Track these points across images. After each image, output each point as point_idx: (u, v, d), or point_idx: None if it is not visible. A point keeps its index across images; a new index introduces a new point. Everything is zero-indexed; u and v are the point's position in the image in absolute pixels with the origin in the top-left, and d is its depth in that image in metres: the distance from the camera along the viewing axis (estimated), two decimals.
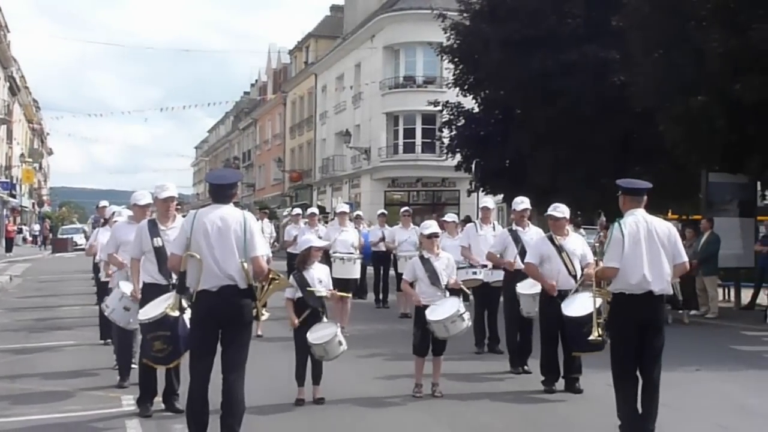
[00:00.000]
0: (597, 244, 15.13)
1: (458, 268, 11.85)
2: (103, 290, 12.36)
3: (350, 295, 14.43)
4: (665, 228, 8.31)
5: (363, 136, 52.60)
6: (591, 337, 8.83)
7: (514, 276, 11.74)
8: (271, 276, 7.71)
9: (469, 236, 13.83)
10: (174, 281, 9.03)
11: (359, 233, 17.61)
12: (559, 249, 10.64)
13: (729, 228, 19.68)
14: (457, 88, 30.99)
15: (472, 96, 31.01)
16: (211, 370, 7.64)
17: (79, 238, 50.80)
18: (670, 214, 26.35)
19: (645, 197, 8.48)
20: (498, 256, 12.24)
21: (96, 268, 13.81)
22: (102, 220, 14.86)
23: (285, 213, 26.41)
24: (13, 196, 70.13)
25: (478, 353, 13.20)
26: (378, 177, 50.62)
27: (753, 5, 17.30)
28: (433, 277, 10.23)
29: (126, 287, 9.89)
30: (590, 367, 10.48)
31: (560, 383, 10.60)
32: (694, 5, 18.26)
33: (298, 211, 21.03)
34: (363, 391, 10.48)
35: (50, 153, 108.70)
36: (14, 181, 71.04)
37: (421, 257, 10.47)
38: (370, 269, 20.98)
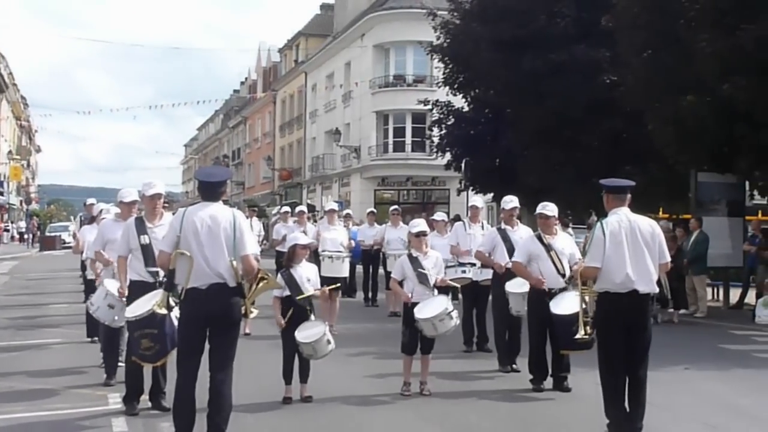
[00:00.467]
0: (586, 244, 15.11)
1: (447, 267, 11.85)
2: (90, 288, 12.32)
3: (338, 287, 14.39)
4: (649, 226, 8.32)
5: (353, 135, 52.60)
6: (578, 336, 8.83)
7: (503, 275, 11.72)
8: (260, 275, 7.69)
9: (458, 235, 13.82)
10: (161, 279, 9.03)
11: (348, 232, 17.59)
12: (548, 248, 10.63)
13: (718, 227, 19.73)
14: (447, 88, 31.03)
15: (462, 95, 31.06)
16: (198, 368, 7.62)
17: (67, 236, 50.61)
18: (660, 213, 26.40)
19: (628, 196, 8.50)
20: (487, 255, 12.22)
21: (83, 266, 13.76)
22: (89, 218, 14.80)
23: (274, 211, 26.34)
24: (1, 194, 69.91)
25: (466, 352, 13.20)
26: (368, 176, 50.62)
27: (741, 6, 17.32)
28: (422, 275, 10.19)
29: (111, 285, 9.86)
30: (579, 366, 10.47)
31: (549, 382, 10.58)
32: (683, 6, 18.27)
33: (287, 209, 20.95)
34: (351, 389, 10.44)
35: (38, 150, 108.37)
36: (2, 179, 70.81)
37: (410, 256, 10.43)
38: (359, 268, 20.97)
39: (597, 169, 23.51)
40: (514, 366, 11.63)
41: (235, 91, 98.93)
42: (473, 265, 13.05)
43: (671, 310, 17.74)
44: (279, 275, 10.10)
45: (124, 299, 9.31)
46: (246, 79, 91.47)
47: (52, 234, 58.47)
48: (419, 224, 10.58)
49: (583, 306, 8.75)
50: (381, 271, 20.12)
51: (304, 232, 15.14)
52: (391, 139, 49.60)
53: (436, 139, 32.90)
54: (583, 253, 10.73)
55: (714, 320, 18.12)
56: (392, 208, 21.09)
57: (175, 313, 7.96)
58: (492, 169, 29.75)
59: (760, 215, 25.06)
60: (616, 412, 8.17)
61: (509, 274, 11.44)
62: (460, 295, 13.46)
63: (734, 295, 20.71)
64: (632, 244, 8.14)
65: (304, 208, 20.08)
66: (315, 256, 15.00)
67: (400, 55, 49.75)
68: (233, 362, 7.69)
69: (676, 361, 12.17)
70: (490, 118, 29.98)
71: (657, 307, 16.51)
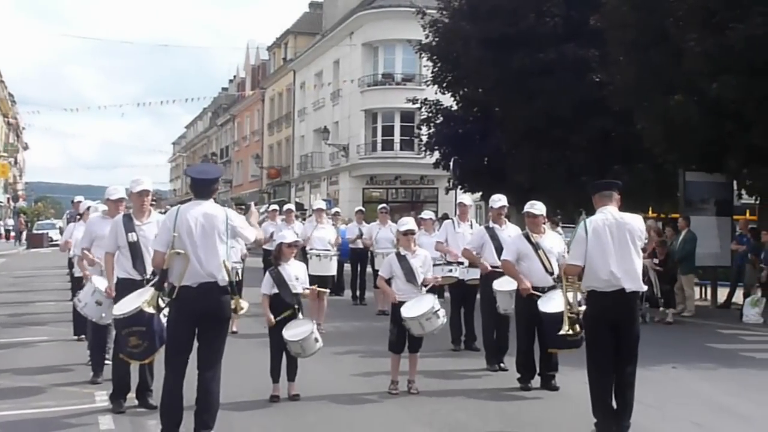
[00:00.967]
0: None
1: (434, 265, 11.83)
2: (77, 285, 12.24)
3: (328, 290, 14.40)
4: (635, 225, 8.32)
5: (342, 133, 52.58)
6: (561, 332, 8.83)
7: (491, 274, 11.71)
8: None
9: (447, 233, 13.81)
10: (149, 276, 9.01)
11: (336, 230, 17.58)
12: (536, 247, 10.61)
13: (706, 227, 19.78)
14: (436, 86, 31.05)
15: (450, 94, 31.07)
16: (186, 365, 7.62)
17: (55, 234, 50.43)
18: (650, 212, 26.46)
19: (615, 194, 8.52)
20: (474, 253, 12.21)
21: (71, 264, 13.70)
22: (76, 215, 14.75)
23: (262, 210, 26.27)
24: None
25: (454, 350, 13.20)
26: (356, 174, 50.59)
27: (729, 5, 17.37)
28: (410, 274, 10.19)
29: (99, 282, 9.83)
30: (567, 365, 10.48)
31: (536, 381, 10.58)
32: (672, 5, 18.32)
33: (275, 207, 20.95)
34: (339, 388, 10.43)
35: (26, 148, 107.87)
36: None
37: (398, 254, 10.43)
38: (347, 266, 20.94)
39: (586, 169, 23.65)
40: (501, 365, 11.63)
41: (223, 88, 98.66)
42: (460, 263, 13.04)
43: (661, 309, 17.75)
44: (267, 273, 10.10)
45: (112, 297, 9.27)
46: (235, 76, 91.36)
47: (40, 232, 58.20)
48: (408, 223, 10.58)
49: (569, 302, 8.76)
50: (369, 269, 20.11)
51: (295, 231, 15.11)
52: (379, 138, 49.58)
53: (424, 138, 32.92)
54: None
55: (702, 319, 18.16)
56: (380, 206, 21.10)
57: (164, 311, 7.92)
58: (480, 168, 29.79)
59: (748, 215, 25.11)
60: (603, 411, 8.18)
61: (497, 272, 11.44)
62: (446, 294, 13.47)
63: (722, 294, 20.77)
64: (618, 242, 8.15)
65: (292, 206, 20.10)
66: (303, 255, 14.98)
67: (389, 53, 49.73)
68: (221, 360, 7.68)
69: (663, 359, 12.19)
70: (479, 117, 30.02)
71: (646, 306, 16.58)
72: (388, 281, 10.41)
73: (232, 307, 7.75)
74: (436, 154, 32.18)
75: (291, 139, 63.65)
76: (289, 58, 65.04)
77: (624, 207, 8.59)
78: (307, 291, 10.17)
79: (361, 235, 20.06)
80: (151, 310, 7.99)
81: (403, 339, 10.15)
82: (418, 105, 32.54)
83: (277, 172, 65.44)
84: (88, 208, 12.76)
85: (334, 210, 22.68)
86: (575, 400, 9.50)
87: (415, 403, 9.75)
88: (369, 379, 10.96)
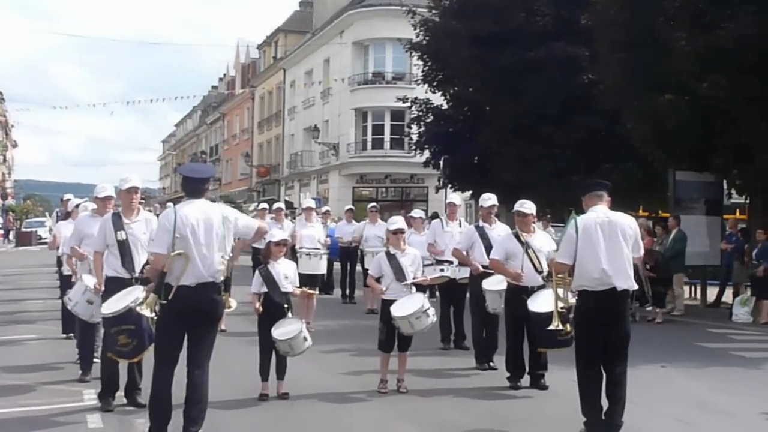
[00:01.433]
0: None
1: (425, 265, 11.82)
2: (66, 284, 12.21)
3: (316, 291, 14.36)
4: (626, 224, 8.32)
5: (332, 132, 52.53)
6: (551, 327, 8.82)
7: (481, 273, 11.71)
8: None
9: (435, 232, 13.82)
10: (137, 275, 8.99)
11: (326, 229, 17.56)
12: (525, 246, 10.59)
13: (696, 226, 19.81)
14: (426, 85, 31.04)
15: (440, 93, 31.06)
16: (176, 363, 7.61)
17: (44, 232, 50.31)
18: (639, 211, 26.51)
19: (605, 193, 8.53)
20: (464, 252, 12.20)
21: (59, 262, 13.66)
22: (65, 213, 14.71)
23: (251, 208, 26.29)
24: None
25: (444, 349, 13.21)
26: (346, 173, 50.55)
27: (719, 5, 17.40)
28: (399, 273, 10.18)
29: (89, 280, 9.80)
30: (556, 364, 10.49)
31: (526, 379, 10.59)
32: (662, 4, 18.34)
33: (264, 205, 20.94)
34: (328, 386, 10.42)
35: (15, 145, 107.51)
36: None
37: (387, 253, 10.43)
38: (337, 265, 20.92)
39: (575, 167, 23.66)
40: (491, 364, 11.63)
41: (213, 87, 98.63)
42: (451, 263, 13.03)
43: (650, 308, 17.79)
44: (257, 272, 10.09)
45: (101, 295, 9.24)
46: (224, 75, 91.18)
47: (28, 230, 58.06)
48: (397, 222, 10.59)
49: (558, 297, 8.76)
50: (359, 268, 20.10)
51: (282, 228, 15.08)
52: (369, 137, 49.52)
53: (414, 137, 32.92)
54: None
55: (691, 318, 18.21)
56: (370, 205, 21.11)
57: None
58: (470, 167, 29.78)
59: (737, 214, 25.18)
60: (592, 410, 8.18)
61: (487, 273, 11.43)
62: (437, 293, 13.45)
63: (711, 293, 20.82)
64: (609, 241, 8.14)
65: (281, 204, 20.05)
66: (292, 253, 14.95)
67: (379, 52, 49.68)
68: (210, 358, 7.67)
69: (653, 358, 12.22)
70: (469, 115, 30.04)
71: (635, 305, 16.59)
72: (378, 280, 10.39)
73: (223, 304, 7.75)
74: (426, 153, 32.18)
75: (281, 137, 63.55)
76: (279, 57, 64.95)
77: (613, 206, 8.59)
78: (297, 291, 10.15)
79: (360, 238, 20.01)
80: (148, 313, 7.91)
81: (392, 338, 10.14)
82: (408, 104, 32.54)
83: (266, 171, 65.34)
84: (77, 206, 12.73)
85: (324, 209, 22.66)
86: (564, 399, 9.48)
87: (403, 402, 9.74)
88: (358, 377, 10.96)
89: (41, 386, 10.22)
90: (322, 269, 16.38)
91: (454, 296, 13.33)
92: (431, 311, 10.02)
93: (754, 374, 12.15)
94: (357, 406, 9.65)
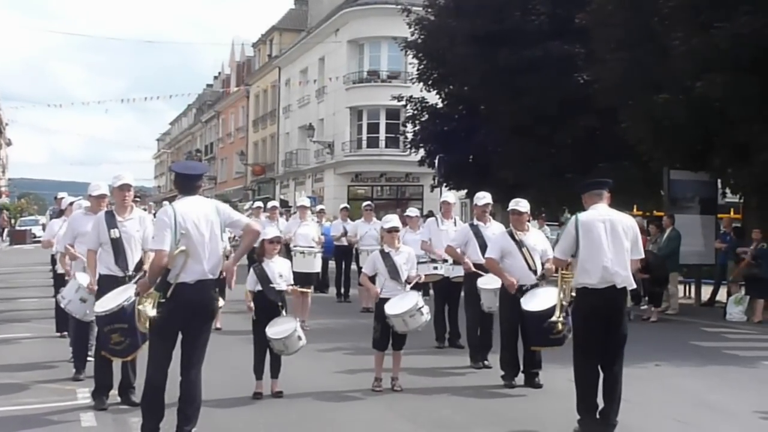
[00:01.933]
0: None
1: (419, 263, 11.82)
2: (59, 282, 12.15)
3: (310, 289, 14.37)
4: (627, 223, 8.32)
5: (327, 131, 52.49)
6: (553, 319, 8.81)
7: (473, 271, 11.70)
8: None
9: (430, 231, 13.81)
10: (131, 273, 8.96)
11: (320, 227, 17.54)
12: (520, 244, 10.61)
13: (690, 225, 19.81)
14: (422, 84, 30.98)
15: (436, 91, 31.01)
16: (170, 361, 7.59)
17: (38, 230, 50.19)
18: (634, 210, 26.51)
19: (606, 192, 8.53)
20: (458, 250, 12.19)
21: (53, 260, 13.62)
22: (58, 211, 14.67)
23: (246, 207, 26.33)
24: None
25: (438, 348, 13.21)
26: (341, 171, 50.50)
27: (715, 4, 17.39)
28: (393, 271, 10.18)
29: (82, 278, 9.76)
30: (550, 362, 10.50)
31: (520, 378, 10.59)
32: (658, 4, 18.33)
33: (259, 204, 20.94)
34: (322, 385, 10.42)
35: (9, 144, 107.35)
36: None
37: (382, 251, 10.43)
38: (332, 263, 20.91)
39: (571, 166, 23.65)
40: (485, 362, 11.63)
41: (208, 85, 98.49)
42: (445, 261, 13.03)
43: (645, 307, 17.80)
44: (251, 270, 10.08)
45: (94, 292, 9.22)
46: (219, 73, 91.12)
47: (23, 228, 57.92)
48: (392, 220, 10.57)
49: (561, 293, 8.76)
50: (354, 266, 20.09)
51: (279, 229, 15.07)
52: (365, 135, 49.46)
53: (410, 135, 32.85)
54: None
55: (686, 317, 18.22)
56: (365, 203, 21.08)
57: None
58: (466, 165, 29.75)
59: (732, 213, 25.18)
60: (588, 408, 8.20)
61: (481, 270, 11.43)
62: (431, 291, 13.45)
63: (706, 292, 20.82)
64: (611, 239, 8.16)
65: (276, 203, 20.04)
66: (287, 252, 14.94)
67: (374, 50, 49.64)
68: (204, 356, 7.66)
69: (647, 357, 12.21)
70: (464, 114, 29.97)
71: (630, 304, 16.59)
72: (372, 278, 10.38)
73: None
74: (422, 152, 32.13)
75: (276, 136, 63.50)
76: (275, 55, 64.92)
77: (610, 205, 8.59)
78: (291, 289, 10.14)
79: (345, 233, 20.04)
80: (152, 312, 7.81)
81: (386, 336, 10.15)
82: (403, 102, 32.47)
83: (261, 169, 65.30)
84: (71, 204, 12.71)
85: (319, 207, 22.64)
86: (559, 397, 9.51)
87: (398, 400, 9.74)
88: (353, 376, 10.96)
89: (35, 385, 10.20)
90: (317, 267, 16.35)
91: (448, 295, 13.32)
92: (425, 309, 10.00)
93: (748, 372, 12.17)
94: (351, 404, 9.64)
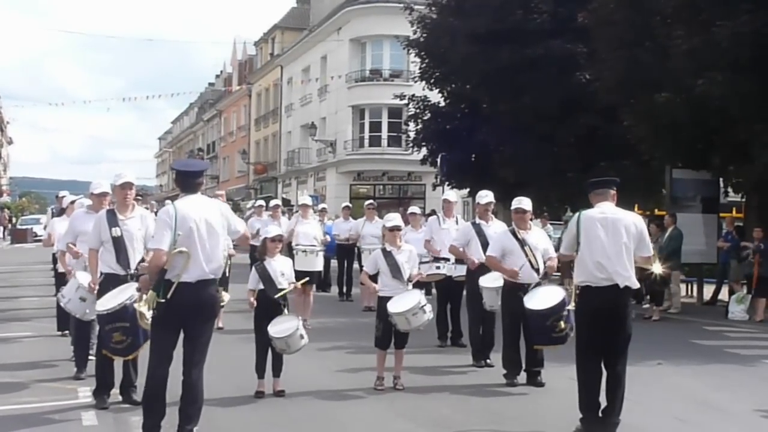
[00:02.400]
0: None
1: (421, 263, 11.83)
2: (60, 281, 12.14)
3: (309, 281, 14.33)
4: (631, 221, 8.31)
5: (329, 129, 52.46)
6: (569, 306, 8.80)
7: (477, 270, 11.69)
8: None
9: (432, 230, 13.81)
10: (132, 271, 8.95)
11: (322, 226, 17.52)
12: (522, 243, 10.59)
13: (692, 224, 19.79)
14: (424, 82, 30.99)
15: (438, 90, 31.00)
16: (172, 360, 7.58)
17: (39, 229, 50.20)
18: (636, 209, 26.49)
19: (611, 191, 8.51)
20: (460, 249, 12.19)
21: (54, 259, 13.62)
22: (59, 210, 14.67)
23: (249, 205, 26.32)
24: None
25: (440, 347, 13.20)
26: (343, 170, 50.47)
27: (716, 3, 17.38)
28: (395, 269, 10.18)
29: (83, 277, 9.73)
30: (552, 361, 10.49)
31: (522, 377, 10.59)
32: (659, 3, 18.32)
33: (261, 203, 20.91)
34: (324, 384, 10.42)
35: (10, 142, 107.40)
36: None
37: (384, 250, 10.42)
38: (334, 262, 20.90)
39: (572, 165, 23.65)
40: (487, 361, 11.62)
41: (210, 84, 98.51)
42: (447, 260, 13.02)
43: (647, 305, 17.78)
44: (253, 269, 10.07)
45: (95, 292, 9.21)
46: (221, 72, 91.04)
47: (24, 227, 57.95)
48: (394, 219, 10.55)
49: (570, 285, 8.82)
50: (356, 265, 20.08)
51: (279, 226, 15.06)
52: (367, 134, 49.41)
53: (412, 134, 32.86)
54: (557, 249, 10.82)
55: (687, 316, 18.20)
56: (367, 202, 21.06)
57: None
58: (467, 164, 29.74)
59: (734, 212, 25.17)
60: (589, 406, 8.19)
61: (483, 269, 11.42)
62: (434, 291, 13.43)
63: (708, 291, 20.80)
64: (610, 237, 8.14)
65: (278, 202, 20.03)
66: (289, 250, 14.93)
67: (376, 49, 49.60)
68: (207, 354, 7.66)
69: (649, 356, 12.19)
70: (466, 113, 29.98)
71: (632, 303, 16.57)
72: (374, 277, 10.38)
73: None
74: (424, 151, 32.14)
75: (278, 134, 63.47)
76: (276, 54, 64.86)
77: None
78: (292, 286, 10.11)
79: (348, 238, 19.99)
80: (147, 311, 7.78)
81: (389, 335, 10.14)
82: (405, 101, 32.46)
83: (263, 168, 65.28)
84: (72, 203, 12.69)
85: (321, 206, 22.61)
86: (560, 396, 9.51)
87: (399, 399, 9.74)
88: (354, 375, 10.95)
89: (36, 384, 10.19)
90: (319, 266, 16.30)
91: (451, 294, 13.31)
92: (428, 307, 10.00)
93: (750, 371, 12.15)
94: (353, 403, 9.64)
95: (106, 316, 8.45)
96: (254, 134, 70.68)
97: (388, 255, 10.29)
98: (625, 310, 8.29)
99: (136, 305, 8.02)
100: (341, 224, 20.73)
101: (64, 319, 12.40)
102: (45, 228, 17.40)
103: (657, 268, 9.56)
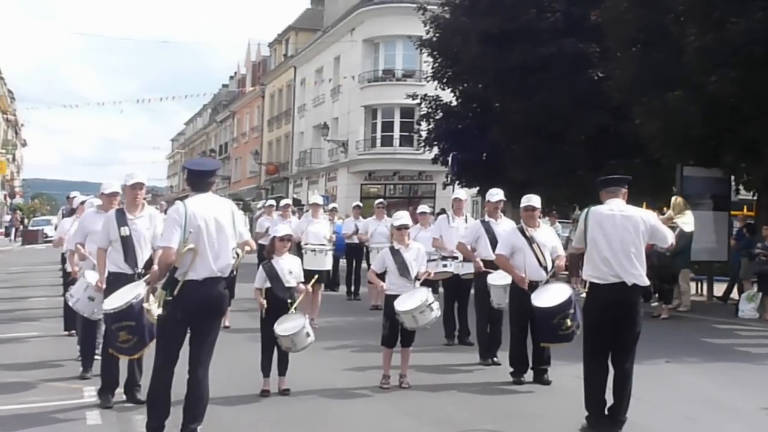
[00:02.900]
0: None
1: (429, 260, 11.80)
2: (69, 281, 12.16)
3: (318, 279, 14.30)
4: (640, 218, 8.26)
5: (341, 129, 52.43)
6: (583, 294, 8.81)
7: (482, 272, 11.67)
8: None
9: (440, 228, 13.77)
10: (140, 271, 8.93)
11: (332, 225, 17.49)
12: (530, 240, 10.59)
13: (703, 222, 19.62)
14: (436, 82, 30.94)
15: (450, 89, 30.94)
16: (177, 359, 7.54)
17: (50, 230, 50.32)
18: (645, 207, 26.36)
19: (622, 189, 8.50)
20: (469, 247, 12.15)
21: (64, 259, 13.61)
22: (69, 210, 14.67)
23: (259, 205, 26.34)
24: None
25: (448, 345, 13.17)
26: (355, 170, 50.44)
27: (730, 0, 17.28)
28: (403, 268, 10.16)
29: (91, 277, 9.72)
30: (559, 359, 10.46)
31: (529, 375, 10.56)
32: (672, 1, 18.23)
33: (271, 202, 20.89)
34: (329, 382, 10.39)
35: (24, 144, 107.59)
36: None
37: (391, 248, 10.40)
38: (343, 262, 20.88)
39: (583, 164, 23.57)
40: (495, 359, 11.58)
41: (224, 85, 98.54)
42: (455, 258, 12.98)
43: (656, 304, 17.70)
44: (260, 268, 10.05)
45: (102, 290, 9.19)
46: (235, 73, 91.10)
47: (35, 228, 58.07)
48: (402, 217, 10.55)
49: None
50: (364, 265, 20.05)
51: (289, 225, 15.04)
52: (379, 134, 49.35)
53: (424, 134, 32.82)
54: (566, 247, 10.83)
55: (697, 314, 18.14)
56: (377, 201, 21.05)
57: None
58: (479, 163, 29.68)
59: (745, 210, 25.04)
60: (596, 404, 8.15)
61: (491, 266, 11.38)
62: (441, 289, 13.40)
63: (718, 289, 20.70)
64: (619, 235, 8.10)
65: (289, 201, 20.02)
66: (298, 250, 14.92)
67: (389, 49, 49.53)
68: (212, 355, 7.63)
69: (657, 354, 12.14)
70: (478, 112, 29.91)
71: (641, 301, 16.51)
72: (382, 276, 10.35)
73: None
74: (435, 150, 32.10)
75: (290, 135, 63.48)
76: (290, 54, 64.88)
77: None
78: (302, 287, 10.06)
79: (357, 231, 20.03)
80: (158, 310, 7.74)
81: (395, 333, 10.12)
82: (417, 101, 32.42)
83: (275, 169, 65.28)
84: (83, 203, 12.70)
85: (331, 206, 22.59)
86: (566, 394, 9.48)
87: (405, 397, 9.71)
88: (361, 373, 10.93)
89: (42, 383, 10.18)
90: (327, 265, 16.28)
91: (458, 292, 13.26)
92: (435, 305, 9.97)
93: (760, 370, 12.10)
94: (358, 401, 9.62)
95: (112, 314, 8.39)
96: (267, 135, 70.73)
97: (395, 253, 10.27)
98: (634, 307, 8.23)
99: (144, 304, 7.98)
100: (351, 224, 20.71)
101: (71, 318, 12.39)
102: (55, 229, 17.40)
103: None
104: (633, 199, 9.13)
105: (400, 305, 9.88)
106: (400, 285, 10.15)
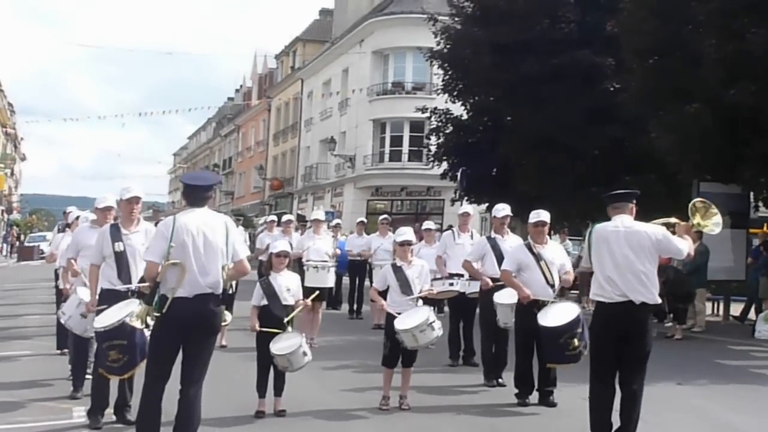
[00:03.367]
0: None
1: (434, 279, 11.60)
2: (62, 297, 11.90)
3: (318, 296, 14.03)
4: (645, 234, 7.99)
5: (348, 144, 52.18)
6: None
7: (490, 288, 11.38)
8: None
9: (446, 245, 13.52)
10: (134, 288, 8.66)
11: (335, 241, 17.18)
12: (538, 257, 10.34)
13: (719, 240, 19.17)
14: (446, 95, 30.65)
15: (461, 102, 30.64)
16: (168, 379, 7.31)
17: (46, 246, 50.26)
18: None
19: (629, 204, 8.28)
20: (475, 264, 11.87)
21: (57, 275, 13.40)
22: (64, 225, 14.48)
23: (261, 221, 26.17)
24: None
25: (452, 366, 12.88)
26: (362, 185, 50.19)
27: (750, 10, 17.00)
28: (405, 285, 9.93)
29: (83, 293, 9.51)
30: (566, 381, 10.23)
31: (534, 396, 10.30)
32: (691, 11, 17.95)
33: (273, 218, 20.65)
34: (326, 403, 10.14)
35: (23, 159, 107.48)
36: None
37: (394, 265, 10.18)
38: (345, 279, 20.60)
39: (595, 178, 23.23)
40: (500, 380, 11.31)
41: (229, 98, 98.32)
42: (461, 276, 12.68)
43: (670, 324, 17.37)
44: (258, 284, 9.84)
45: (93, 312, 8.91)
46: (241, 86, 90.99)
47: (31, 244, 57.96)
48: (405, 233, 10.31)
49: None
50: (367, 282, 19.72)
51: (290, 242, 14.74)
52: (387, 148, 49.06)
53: (433, 148, 32.52)
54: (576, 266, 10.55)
55: (712, 335, 17.84)
56: (381, 217, 20.81)
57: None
58: (488, 178, 29.38)
59: (765, 228, 24.62)
60: (601, 426, 7.93)
61: (497, 285, 11.10)
62: (446, 308, 13.12)
63: (735, 309, 20.39)
64: (627, 252, 7.89)
65: (291, 217, 19.79)
66: (299, 266, 14.63)
67: (399, 61, 49.31)
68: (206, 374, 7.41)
69: (669, 376, 11.87)
70: (489, 125, 29.62)
71: (654, 321, 16.16)
72: (384, 293, 10.13)
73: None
74: (444, 165, 31.83)
75: (296, 149, 63.23)
76: (298, 67, 64.74)
77: (635, 217, 8.31)
78: (301, 304, 9.79)
79: (360, 254, 19.69)
80: (139, 325, 7.66)
81: (396, 353, 9.86)
82: (427, 114, 32.16)
83: (280, 184, 64.98)
84: (77, 218, 12.48)
85: (335, 222, 22.30)
86: (572, 417, 9.21)
87: (403, 419, 9.47)
88: (360, 394, 10.66)
89: (31, 403, 9.94)
90: (330, 282, 15.95)
91: (463, 311, 12.98)
92: (437, 324, 9.70)
93: None
94: (355, 423, 9.38)
95: (103, 333, 8.19)
96: (272, 149, 70.46)
97: (397, 270, 10.04)
98: (642, 327, 7.97)
99: (127, 319, 7.75)
100: (355, 240, 20.44)
101: (63, 337, 12.14)
102: (50, 245, 17.21)
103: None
104: (647, 216, 8.84)
105: (400, 324, 9.63)
106: (401, 303, 9.90)
